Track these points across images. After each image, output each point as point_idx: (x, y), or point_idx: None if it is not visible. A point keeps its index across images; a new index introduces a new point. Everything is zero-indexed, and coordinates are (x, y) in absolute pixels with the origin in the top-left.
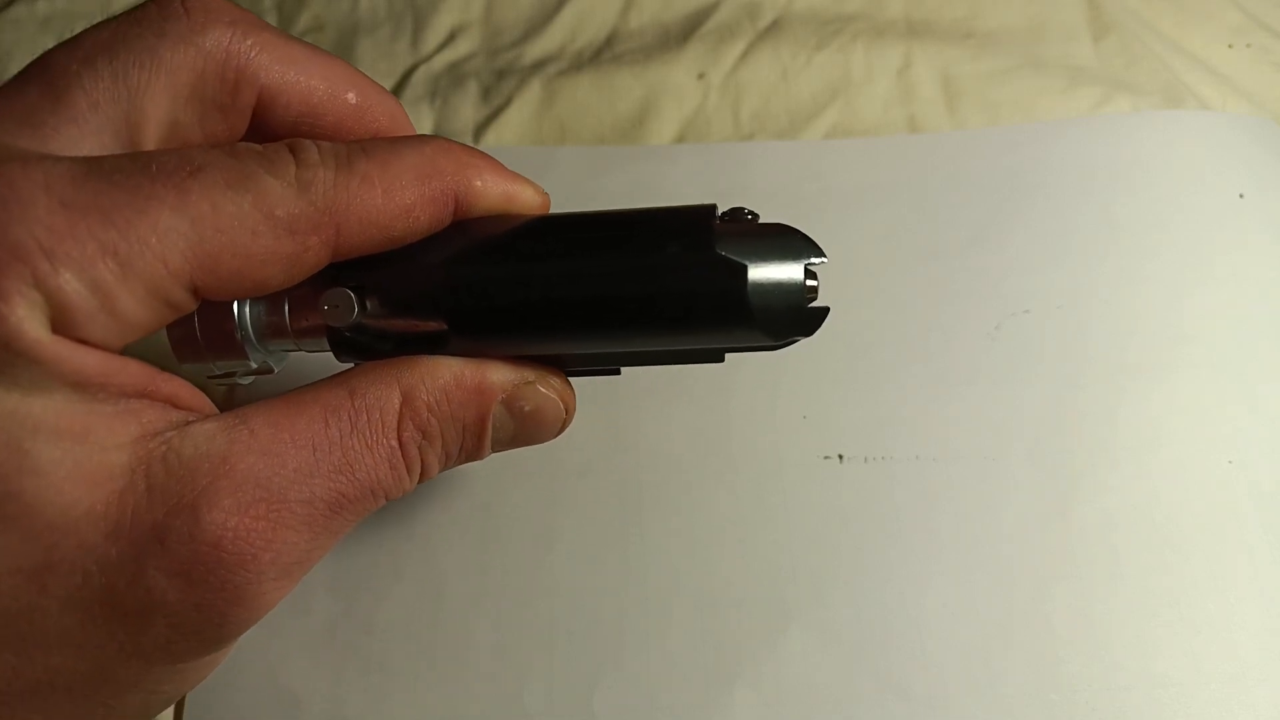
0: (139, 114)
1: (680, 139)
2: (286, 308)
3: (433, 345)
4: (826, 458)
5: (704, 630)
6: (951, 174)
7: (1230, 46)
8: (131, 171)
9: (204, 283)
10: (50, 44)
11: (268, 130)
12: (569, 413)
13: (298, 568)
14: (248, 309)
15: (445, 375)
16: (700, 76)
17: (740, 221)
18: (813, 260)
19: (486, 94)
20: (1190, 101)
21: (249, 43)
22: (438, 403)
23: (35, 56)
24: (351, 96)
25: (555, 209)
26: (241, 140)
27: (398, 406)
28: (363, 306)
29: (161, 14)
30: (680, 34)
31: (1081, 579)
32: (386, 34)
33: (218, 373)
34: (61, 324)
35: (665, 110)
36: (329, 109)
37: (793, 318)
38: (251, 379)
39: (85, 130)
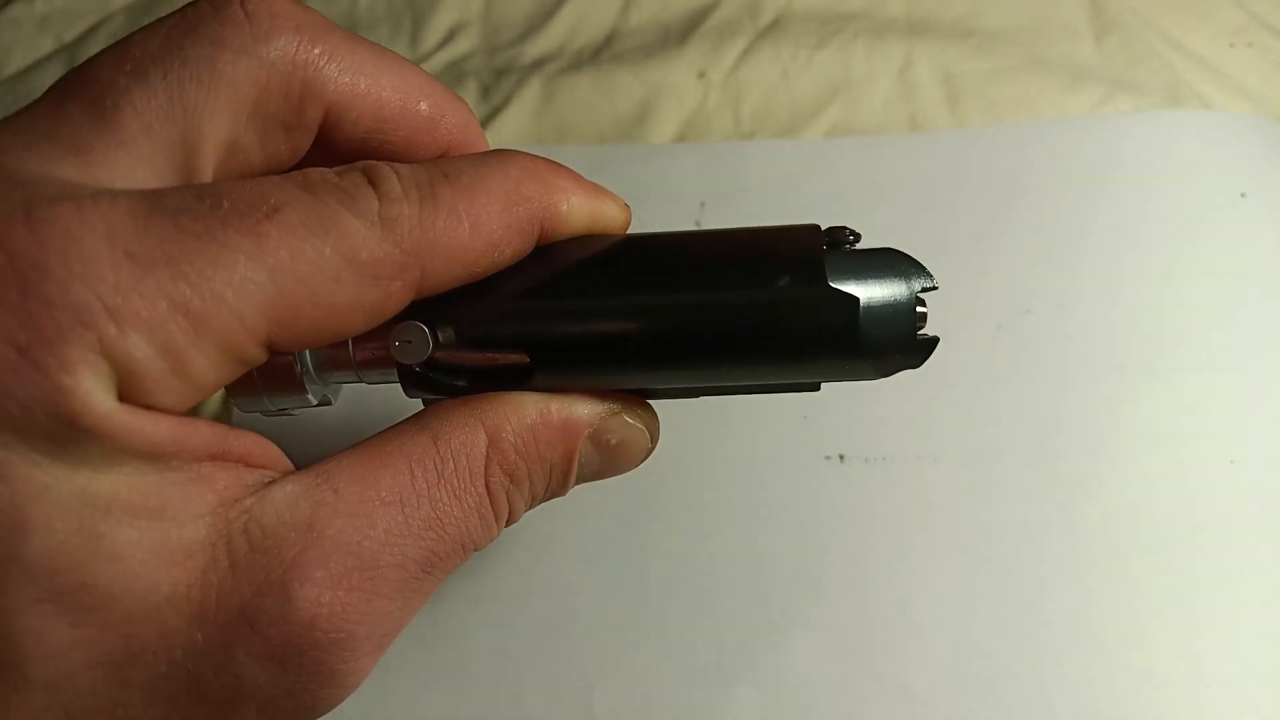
0: (196, 136)
1: (680, 138)
2: (350, 343)
3: (513, 380)
4: (827, 458)
5: (704, 630)
6: (952, 173)
7: (1232, 45)
8: (200, 212)
9: (279, 337)
10: (49, 44)
11: (333, 147)
12: (654, 441)
13: (389, 638)
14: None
15: (530, 413)
16: (700, 75)
17: (844, 245)
18: (923, 286)
19: (486, 93)
20: (1192, 101)
21: (317, 50)
22: (524, 444)
23: (35, 56)
24: (424, 106)
25: None
26: (305, 161)
27: (484, 450)
28: (436, 341)
29: (219, 18)
30: (680, 32)
31: (1082, 579)
32: (385, 32)
33: (272, 409)
34: (129, 391)
35: (665, 109)
36: (401, 122)
37: (902, 349)
38: (300, 413)
39: (136, 156)
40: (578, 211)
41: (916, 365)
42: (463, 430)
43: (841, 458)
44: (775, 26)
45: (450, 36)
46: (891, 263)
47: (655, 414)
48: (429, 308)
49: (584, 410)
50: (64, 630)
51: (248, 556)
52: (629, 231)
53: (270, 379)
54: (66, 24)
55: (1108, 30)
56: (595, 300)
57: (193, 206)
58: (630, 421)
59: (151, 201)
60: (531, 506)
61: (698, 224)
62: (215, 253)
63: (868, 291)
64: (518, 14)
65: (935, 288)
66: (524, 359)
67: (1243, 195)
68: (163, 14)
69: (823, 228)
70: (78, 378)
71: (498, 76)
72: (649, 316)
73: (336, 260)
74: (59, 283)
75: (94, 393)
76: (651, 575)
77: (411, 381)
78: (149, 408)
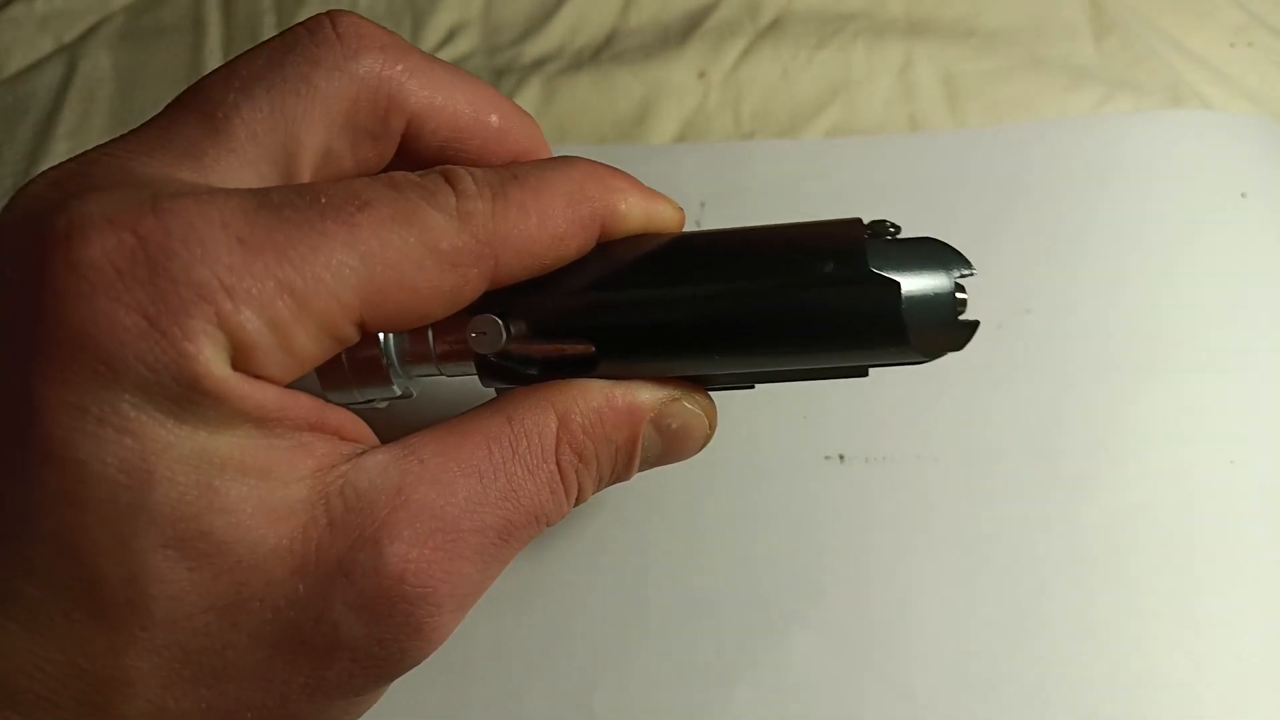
0: (295, 143)
1: (680, 138)
2: (431, 335)
3: (580, 368)
4: (827, 458)
5: (704, 630)
6: (952, 173)
7: (1232, 45)
8: (301, 206)
9: (370, 317)
10: (48, 44)
11: (414, 155)
12: (712, 428)
13: (469, 599)
14: (392, 337)
15: (597, 397)
16: (700, 75)
17: (885, 236)
18: (962, 273)
19: None
20: (1192, 101)
21: (400, 68)
22: (592, 425)
23: (35, 56)
24: (494, 119)
25: None
26: (388, 167)
27: (554, 430)
28: (509, 332)
29: (314, 40)
30: (680, 32)
31: (1083, 579)
32: None
33: (360, 400)
34: (241, 361)
35: (665, 109)
36: (474, 132)
37: (945, 332)
38: (387, 404)
39: (244, 161)
40: (635, 211)
41: (959, 347)
42: (535, 412)
43: (841, 458)
44: (775, 26)
45: (450, 36)
46: (931, 250)
47: (713, 402)
48: (502, 301)
49: (647, 395)
50: (183, 574)
51: (343, 516)
52: (689, 229)
53: (360, 372)
54: (66, 24)
55: (1108, 30)
56: (654, 292)
57: (295, 201)
58: (690, 407)
59: (259, 197)
60: (599, 488)
61: (698, 224)
62: (315, 240)
63: (909, 277)
64: (518, 14)
65: (973, 273)
66: (589, 349)
67: (1243, 195)
68: (163, 15)
69: (865, 220)
70: (199, 345)
71: (498, 76)
72: (704, 306)
73: (420, 248)
74: (183, 264)
75: (213, 360)
76: (651, 575)
77: (487, 371)
78: (258, 377)
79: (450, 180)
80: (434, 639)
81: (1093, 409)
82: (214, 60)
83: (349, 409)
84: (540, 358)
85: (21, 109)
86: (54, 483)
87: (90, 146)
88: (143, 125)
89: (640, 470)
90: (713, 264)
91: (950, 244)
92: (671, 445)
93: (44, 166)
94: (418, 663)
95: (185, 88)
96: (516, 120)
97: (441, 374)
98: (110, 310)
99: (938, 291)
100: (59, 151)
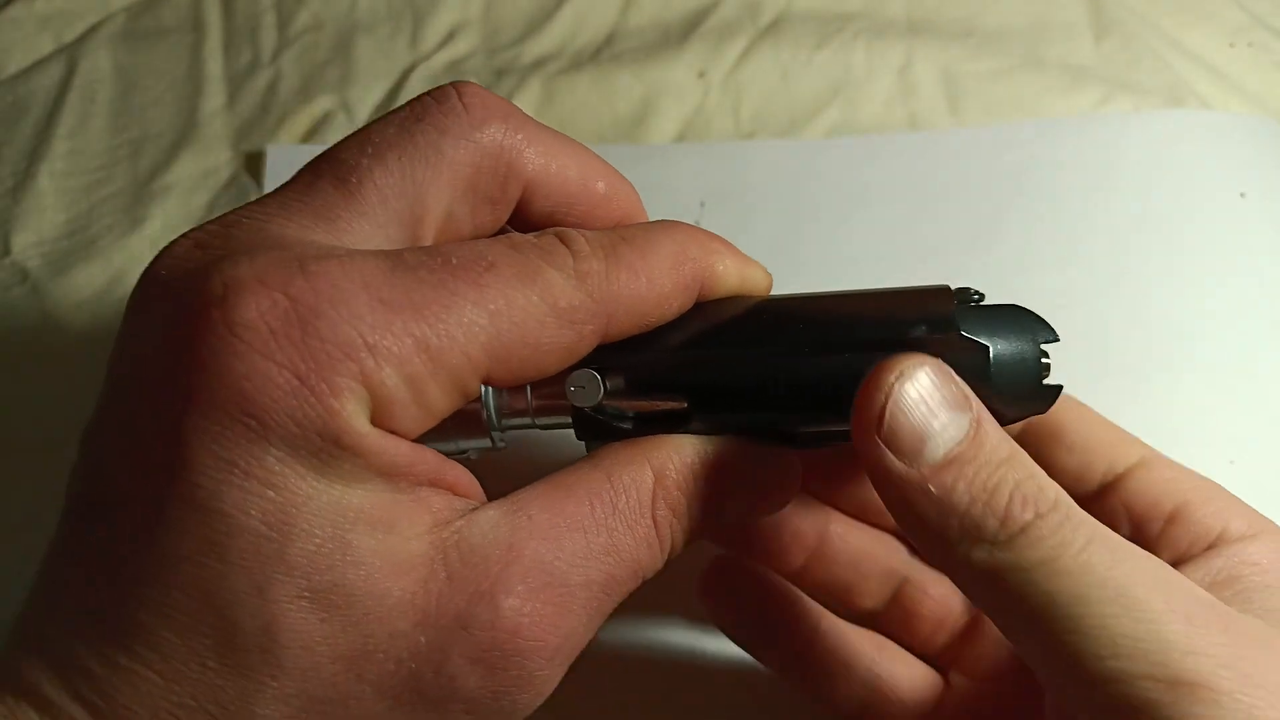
0: (422, 207)
1: (680, 138)
2: (529, 389)
3: (672, 424)
4: None
5: (705, 632)
6: (952, 172)
7: (1231, 45)
8: (434, 268)
9: (495, 373)
10: (49, 44)
11: (526, 218)
12: (797, 483)
13: (575, 651)
14: (491, 393)
15: (691, 454)
16: (700, 75)
17: (969, 302)
18: (1045, 339)
19: None
20: (1191, 100)
21: (519, 137)
22: (685, 480)
23: (35, 57)
24: (601, 185)
25: None
26: (500, 230)
27: (651, 486)
28: (606, 387)
29: (441, 109)
30: (680, 33)
31: None
32: (385, 32)
33: (455, 451)
34: (379, 417)
35: (665, 109)
36: (581, 198)
37: (1030, 394)
38: (479, 454)
39: (375, 224)
40: (731, 272)
41: (1043, 410)
42: (632, 468)
43: None
44: (775, 27)
45: (450, 36)
46: (1016, 317)
47: (798, 462)
48: (599, 356)
49: (732, 451)
50: (315, 625)
51: (460, 570)
52: (779, 294)
53: (462, 423)
54: (66, 24)
55: (1107, 30)
56: (748, 351)
57: (427, 263)
58: (774, 460)
59: (394, 259)
60: (690, 540)
61: (697, 224)
62: (447, 300)
63: (996, 341)
64: (518, 14)
65: (1057, 339)
66: (683, 404)
67: (1242, 195)
68: (163, 15)
69: (952, 288)
70: (343, 402)
71: (498, 77)
72: (796, 366)
73: (542, 306)
74: (330, 323)
75: (355, 415)
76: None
77: (583, 424)
78: (392, 432)
79: (566, 242)
80: (543, 691)
81: (1093, 409)
82: (214, 61)
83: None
84: (635, 412)
85: (21, 109)
86: (199, 532)
87: (90, 146)
88: (279, 189)
89: (733, 520)
90: (805, 325)
91: (1033, 311)
92: (757, 501)
93: (44, 166)
94: (526, 714)
95: (321, 157)
96: (620, 187)
97: (535, 426)
98: (264, 368)
99: (1024, 356)
100: (59, 152)
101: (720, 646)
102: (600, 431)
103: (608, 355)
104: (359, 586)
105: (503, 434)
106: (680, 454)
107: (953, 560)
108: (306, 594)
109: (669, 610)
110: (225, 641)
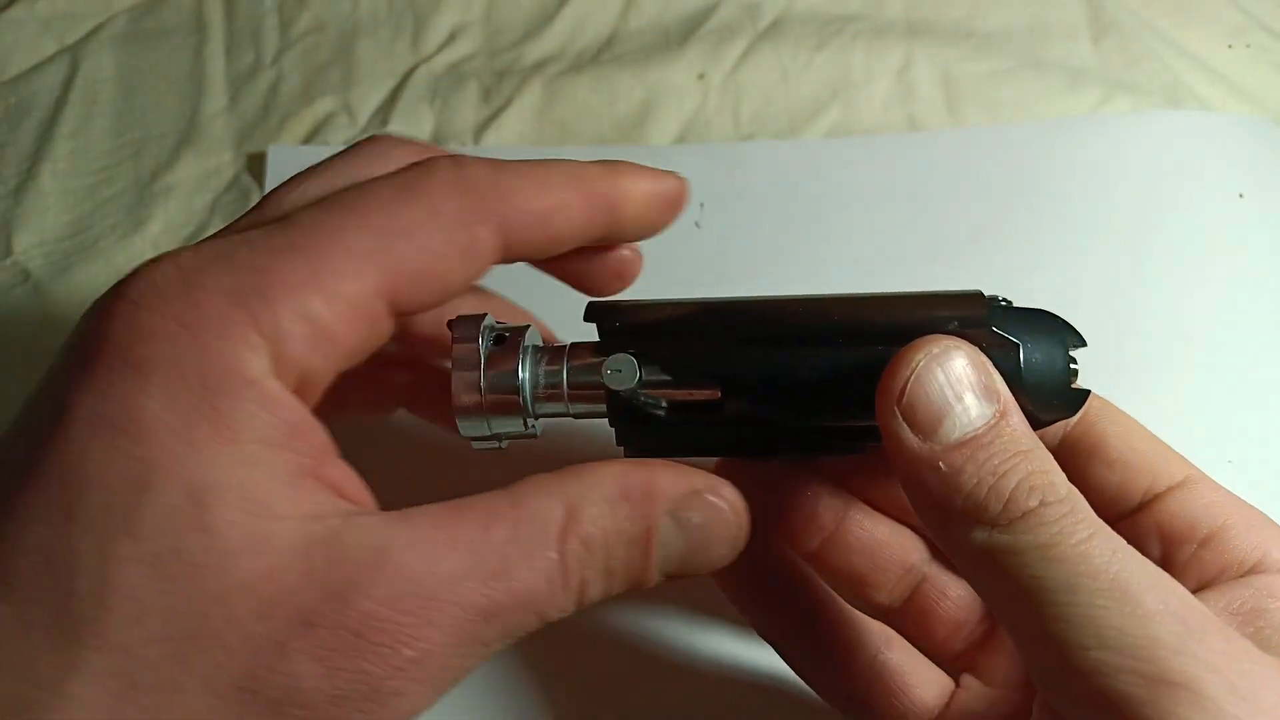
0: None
1: (680, 139)
2: (565, 372)
3: (705, 411)
4: None
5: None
6: (951, 172)
7: (1230, 46)
8: (315, 212)
9: (401, 293)
10: (50, 45)
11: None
12: (742, 531)
13: (443, 674)
14: (528, 373)
15: (610, 485)
16: (700, 77)
17: (999, 303)
18: (1074, 344)
19: (487, 94)
20: (1190, 101)
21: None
22: (601, 514)
23: (37, 58)
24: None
25: None
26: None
27: (561, 518)
28: (642, 372)
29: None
30: (680, 34)
31: None
32: (387, 34)
33: (488, 433)
34: (280, 365)
35: (665, 110)
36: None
37: (1060, 397)
38: (507, 444)
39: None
40: (641, 185)
41: (1071, 414)
42: (544, 496)
43: None
44: (775, 28)
45: (451, 38)
46: (1045, 320)
47: (744, 501)
48: (636, 342)
49: (665, 484)
50: (151, 594)
51: (320, 567)
52: (805, 292)
53: (496, 405)
54: (68, 25)
55: (1106, 31)
56: (783, 344)
57: (310, 210)
58: (714, 501)
59: (285, 219)
60: (610, 586)
61: (697, 225)
62: (333, 235)
63: (1026, 341)
64: (519, 16)
65: (1085, 344)
66: (716, 394)
67: (1240, 196)
68: (165, 16)
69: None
70: (231, 343)
71: (499, 78)
72: (833, 357)
73: (424, 214)
74: (214, 275)
75: (247, 360)
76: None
77: (617, 408)
78: (302, 381)
79: (451, 157)
80: (398, 710)
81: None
82: (216, 62)
83: (474, 445)
84: (668, 399)
85: (24, 110)
86: (54, 492)
87: (92, 147)
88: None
89: (662, 574)
90: (841, 319)
91: (1062, 317)
92: (694, 545)
93: (46, 167)
94: None
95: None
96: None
97: (570, 414)
98: (148, 320)
99: (1053, 358)
100: (61, 152)
101: (718, 647)
102: (634, 417)
103: (646, 342)
104: (203, 557)
105: (536, 419)
106: (600, 486)
107: (952, 537)
108: (149, 558)
109: (666, 608)
110: (59, 608)
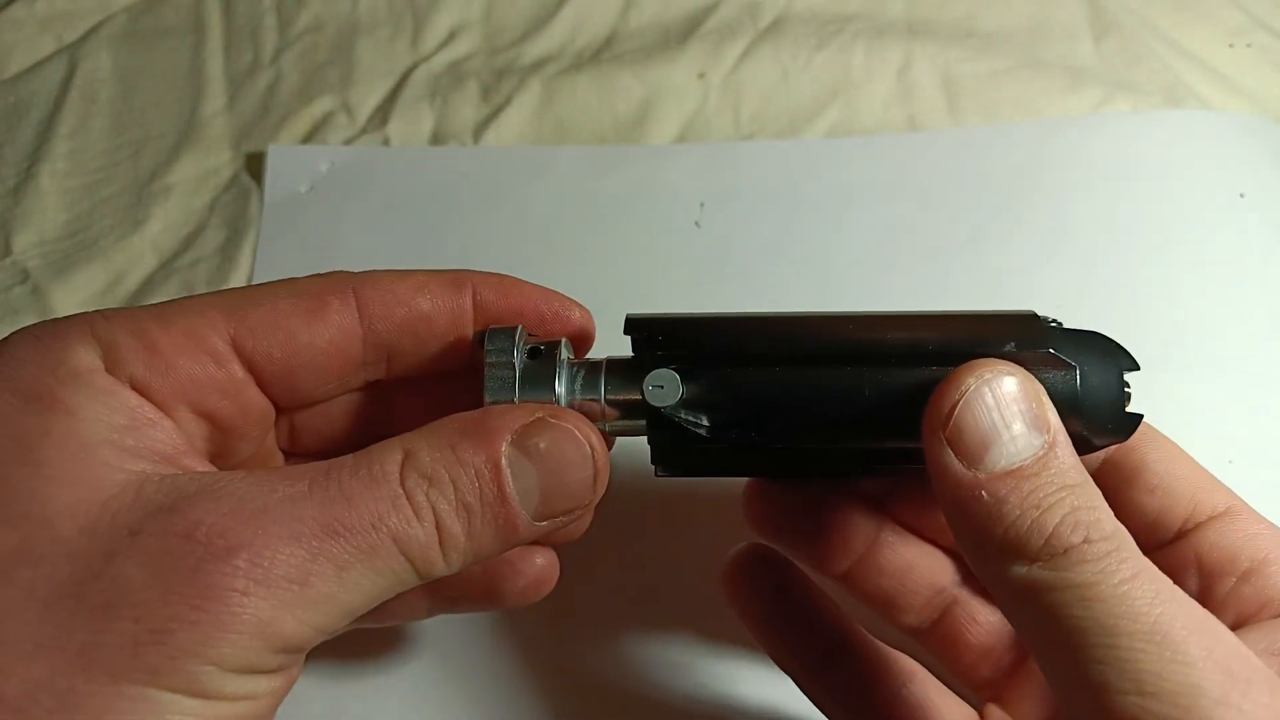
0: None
1: (680, 139)
2: (603, 387)
3: (751, 431)
4: None
5: (708, 637)
6: (952, 172)
7: (1231, 46)
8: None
9: (239, 335)
10: (50, 44)
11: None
12: (597, 456)
13: (287, 585)
14: (564, 387)
15: (448, 426)
16: (700, 76)
17: (1051, 326)
18: (1127, 367)
19: (486, 93)
20: (1191, 101)
21: None
22: (441, 452)
23: (36, 57)
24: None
25: (556, 208)
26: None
27: (399, 458)
28: (684, 390)
29: None
30: (680, 34)
31: None
32: (386, 33)
33: None
34: (111, 363)
35: (665, 110)
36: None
37: (1113, 422)
38: None
39: None
40: (490, 279)
41: (1124, 437)
42: (383, 449)
43: None
44: (775, 28)
45: (451, 37)
46: (1099, 342)
47: (598, 432)
48: (677, 360)
49: (504, 417)
50: None
51: (152, 495)
52: (859, 309)
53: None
54: (67, 24)
55: (1107, 31)
56: (835, 365)
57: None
58: (555, 422)
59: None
60: (476, 528)
61: (697, 225)
62: (194, 299)
63: (1083, 364)
64: (518, 15)
65: (1138, 368)
66: (757, 414)
67: (1241, 195)
68: (164, 16)
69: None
70: (70, 343)
71: (498, 77)
72: (885, 378)
73: (281, 285)
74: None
75: (82, 356)
76: (649, 574)
77: (657, 425)
78: (135, 385)
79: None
80: (240, 609)
81: None
82: (214, 61)
83: None
84: (706, 418)
85: (23, 109)
86: None
87: (91, 147)
88: None
89: (533, 516)
90: (893, 339)
91: (1114, 339)
92: (547, 471)
93: (45, 167)
94: (228, 655)
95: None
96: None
97: (605, 430)
98: (12, 338)
99: (1109, 381)
100: (60, 151)
101: (734, 679)
102: (675, 434)
103: (690, 361)
104: (32, 487)
105: None
106: (439, 428)
107: (991, 569)
108: None
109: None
110: None
